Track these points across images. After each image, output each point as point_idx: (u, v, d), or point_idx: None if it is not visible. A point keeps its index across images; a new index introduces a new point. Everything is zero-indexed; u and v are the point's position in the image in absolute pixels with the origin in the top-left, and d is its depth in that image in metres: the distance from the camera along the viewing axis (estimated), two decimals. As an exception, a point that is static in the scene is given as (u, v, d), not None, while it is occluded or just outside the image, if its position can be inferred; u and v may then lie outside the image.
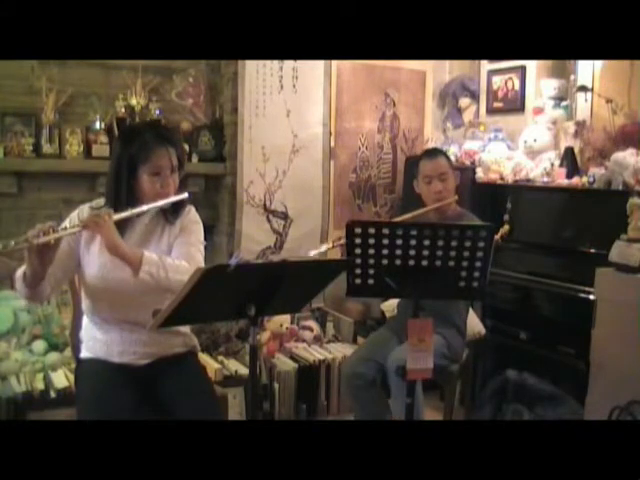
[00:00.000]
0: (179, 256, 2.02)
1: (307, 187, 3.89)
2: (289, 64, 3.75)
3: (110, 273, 1.97)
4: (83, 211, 2.07)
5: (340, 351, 3.47)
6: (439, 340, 2.51)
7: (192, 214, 2.14)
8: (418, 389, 2.34)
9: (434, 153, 2.77)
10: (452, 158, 3.95)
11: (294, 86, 3.78)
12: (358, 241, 1.94)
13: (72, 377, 2.52)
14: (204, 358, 3.06)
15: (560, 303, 3.03)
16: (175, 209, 2.08)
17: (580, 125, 3.43)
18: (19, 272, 1.90)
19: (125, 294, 1.98)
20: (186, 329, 2.18)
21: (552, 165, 3.44)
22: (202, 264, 2.03)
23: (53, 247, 1.81)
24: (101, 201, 2.08)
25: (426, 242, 1.90)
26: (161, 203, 1.99)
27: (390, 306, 3.24)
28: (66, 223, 1.99)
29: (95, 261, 2.00)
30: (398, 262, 1.93)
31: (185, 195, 2.06)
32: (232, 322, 3.36)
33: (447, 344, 2.61)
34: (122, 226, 1.98)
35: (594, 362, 2.72)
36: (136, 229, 2.05)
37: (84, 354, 2.11)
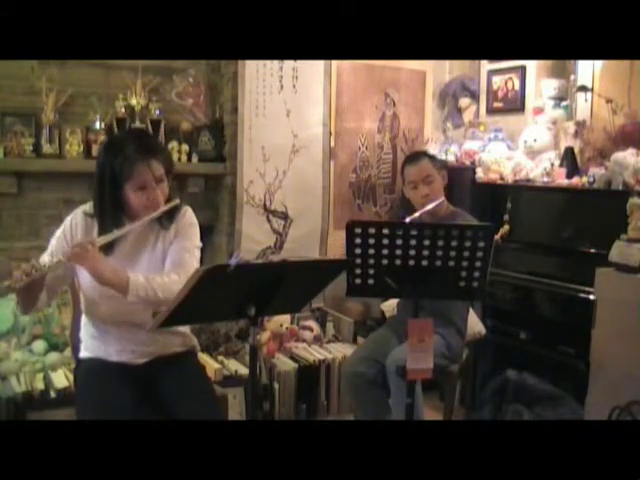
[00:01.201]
0: (172, 263, 2.01)
1: (307, 187, 3.89)
2: (289, 64, 3.75)
3: None
4: (77, 215, 2.06)
5: (340, 351, 3.47)
6: (439, 340, 2.51)
7: (188, 215, 2.10)
8: (418, 389, 2.34)
9: (415, 157, 2.73)
10: (452, 158, 3.97)
11: (294, 86, 3.78)
12: (358, 241, 1.94)
13: (72, 377, 2.52)
14: (204, 358, 3.06)
15: (560, 303, 3.03)
16: (169, 214, 2.05)
17: (580, 125, 3.43)
18: None
19: (121, 298, 1.94)
20: (186, 329, 2.18)
21: (552, 165, 3.44)
22: None
23: (38, 282, 1.81)
24: None
25: (426, 242, 1.90)
26: (148, 218, 1.95)
27: (390, 306, 3.24)
28: (53, 242, 2.02)
29: None
30: (398, 262, 1.93)
31: (176, 202, 2.03)
32: (232, 322, 3.35)
33: (447, 344, 2.61)
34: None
35: (594, 362, 2.72)
36: (128, 238, 2.02)
37: (83, 354, 2.11)
